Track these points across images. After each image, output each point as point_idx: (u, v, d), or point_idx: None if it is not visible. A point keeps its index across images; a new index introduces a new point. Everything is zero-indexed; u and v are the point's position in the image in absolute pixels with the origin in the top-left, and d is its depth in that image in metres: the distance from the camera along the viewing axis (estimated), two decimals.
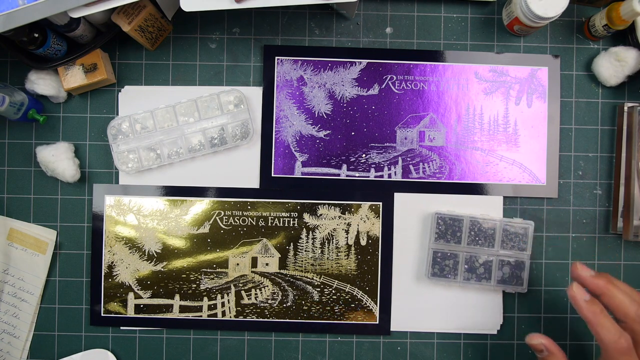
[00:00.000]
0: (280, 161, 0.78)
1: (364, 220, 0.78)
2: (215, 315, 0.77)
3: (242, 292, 0.77)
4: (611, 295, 0.55)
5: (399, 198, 0.78)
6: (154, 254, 0.77)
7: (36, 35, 0.69)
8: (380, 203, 0.78)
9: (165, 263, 0.77)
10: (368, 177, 0.78)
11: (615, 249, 0.79)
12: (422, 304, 0.78)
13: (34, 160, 0.78)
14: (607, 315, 0.55)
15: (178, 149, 0.76)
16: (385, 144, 0.78)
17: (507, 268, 0.76)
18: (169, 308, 0.77)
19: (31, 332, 0.78)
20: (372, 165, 0.78)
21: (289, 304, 0.77)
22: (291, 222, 0.78)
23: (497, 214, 0.78)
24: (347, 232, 0.78)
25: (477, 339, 0.78)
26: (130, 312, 0.77)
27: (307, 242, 0.78)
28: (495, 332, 0.78)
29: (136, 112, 0.77)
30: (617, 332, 0.53)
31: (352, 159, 0.78)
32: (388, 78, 0.78)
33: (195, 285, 0.77)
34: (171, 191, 0.77)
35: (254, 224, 0.78)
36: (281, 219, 0.78)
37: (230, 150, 0.78)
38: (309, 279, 0.77)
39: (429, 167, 0.78)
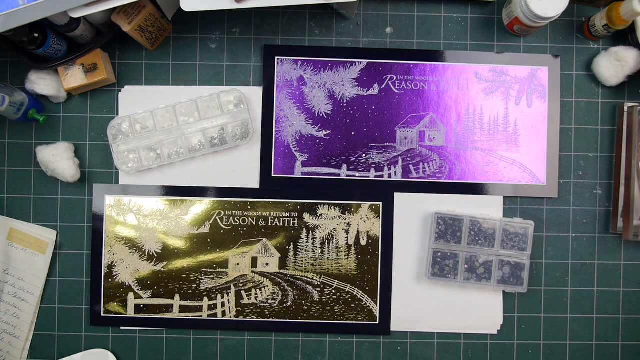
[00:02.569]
0: (280, 161, 0.78)
1: (364, 220, 0.78)
2: (215, 315, 0.77)
3: (242, 292, 0.77)
4: None
5: (399, 198, 0.78)
6: (154, 254, 0.77)
7: (36, 35, 0.69)
8: (380, 203, 0.78)
9: (165, 263, 0.77)
10: (368, 177, 0.78)
11: (615, 249, 0.79)
12: (422, 304, 0.78)
13: (34, 160, 0.78)
14: None
15: (178, 149, 0.76)
16: (385, 144, 0.78)
17: (507, 268, 0.76)
18: (169, 308, 0.77)
19: (31, 332, 0.78)
20: (372, 165, 0.78)
21: (289, 304, 0.77)
22: (291, 222, 0.78)
23: (497, 214, 0.78)
24: (347, 232, 0.78)
25: (477, 339, 0.78)
26: (130, 312, 0.77)
27: (307, 242, 0.78)
28: (495, 332, 0.78)
29: (136, 112, 0.77)
30: None
31: (352, 159, 0.78)
32: (388, 78, 0.78)
33: (195, 285, 0.77)
34: (171, 191, 0.77)
35: (254, 224, 0.78)
36: (281, 219, 0.78)
37: (230, 150, 0.78)
38: (309, 279, 0.77)
39: (429, 167, 0.78)
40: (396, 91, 0.78)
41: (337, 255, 0.78)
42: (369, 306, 0.77)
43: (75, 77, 0.74)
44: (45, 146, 0.76)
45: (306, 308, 0.77)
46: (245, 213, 0.77)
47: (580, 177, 0.79)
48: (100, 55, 0.74)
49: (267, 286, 0.77)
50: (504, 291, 0.78)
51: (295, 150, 0.78)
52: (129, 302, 0.77)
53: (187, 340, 0.78)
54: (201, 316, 0.77)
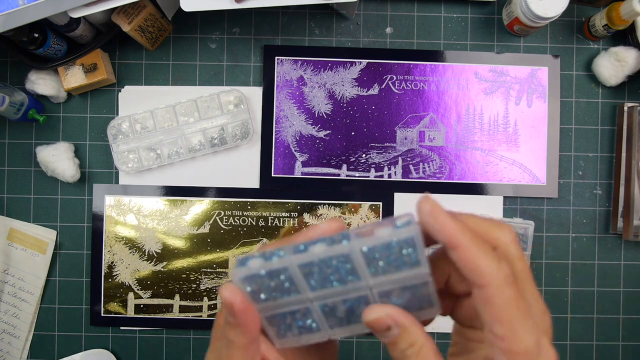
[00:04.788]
0: (280, 161, 0.78)
1: (364, 220, 0.78)
2: (216, 315, 0.77)
3: None
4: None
5: (399, 198, 0.78)
6: (154, 254, 0.77)
7: (36, 35, 0.69)
8: (380, 203, 0.78)
9: (165, 263, 0.77)
10: (368, 177, 0.78)
11: (615, 249, 0.79)
12: None
13: (34, 160, 0.78)
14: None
15: (178, 149, 0.76)
16: (385, 144, 0.78)
17: None
18: (169, 308, 0.77)
19: (31, 332, 0.78)
20: (372, 165, 0.78)
21: None
22: (291, 222, 0.78)
23: (497, 214, 0.78)
24: None
25: None
26: (130, 312, 0.77)
27: None
28: None
29: (136, 112, 0.77)
30: (495, 257, 0.30)
31: (352, 159, 0.78)
32: (388, 78, 0.78)
33: (195, 285, 0.77)
34: (171, 191, 0.77)
35: (254, 224, 0.78)
36: (281, 219, 0.78)
37: (230, 150, 0.78)
38: None
39: (429, 167, 0.78)
40: (396, 91, 0.78)
41: None
42: None
43: (75, 77, 0.74)
44: (45, 146, 0.76)
45: None
46: (245, 213, 0.77)
47: (580, 177, 0.79)
48: (100, 55, 0.74)
49: None
50: None
51: (295, 150, 0.78)
52: (129, 302, 0.77)
53: (187, 340, 0.78)
54: (201, 316, 0.77)
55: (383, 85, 0.78)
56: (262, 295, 0.32)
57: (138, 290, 0.77)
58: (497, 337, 0.29)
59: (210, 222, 0.77)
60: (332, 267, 0.31)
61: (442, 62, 0.78)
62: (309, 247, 0.30)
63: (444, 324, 0.78)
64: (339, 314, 0.32)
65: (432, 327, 0.80)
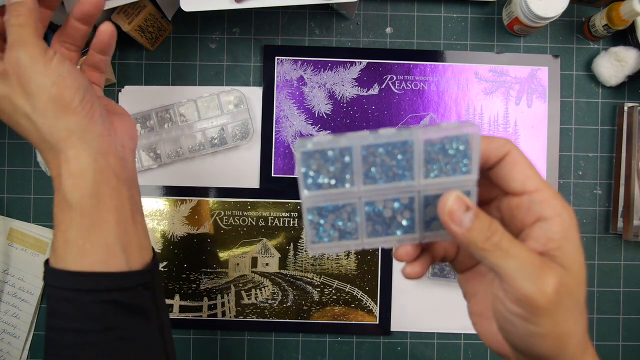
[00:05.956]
0: (280, 161, 0.78)
1: None
2: (215, 315, 0.77)
3: (242, 292, 0.77)
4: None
5: None
6: None
7: None
8: None
9: (165, 263, 0.77)
10: None
11: (615, 249, 0.79)
12: (422, 304, 0.78)
13: (34, 160, 0.78)
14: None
15: (178, 149, 0.76)
16: None
17: None
18: (168, 308, 0.77)
19: (31, 332, 0.78)
20: None
21: (289, 304, 0.77)
22: (291, 222, 0.78)
23: None
24: None
25: (477, 339, 0.78)
26: None
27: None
28: None
29: (136, 112, 0.77)
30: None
31: None
32: (388, 78, 0.78)
33: (195, 285, 0.77)
34: (171, 191, 0.77)
35: (254, 224, 0.78)
36: (281, 219, 0.78)
37: (230, 150, 0.78)
38: (309, 279, 0.77)
39: None
40: (396, 91, 0.78)
41: (337, 255, 0.78)
42: (368, 306, 0.77)
43: None
44: None
45: (306, 308, 0.77)
46: (245, 213, 0.77)
47: (580, 177, 0.79)
48: None
49: (267, 286, 0.77)
50: None
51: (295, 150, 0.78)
52: None
53: (187, 340, 0.78)
54: (201, 316, 0.77)
55: (383, 85, 0.78)
56: (319, 179, 0.32)
57: None
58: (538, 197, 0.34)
59: (210, 222, 0.77)
60: (393, 156, 0.31)
61: (442, 62, 0.78)
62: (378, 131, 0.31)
63: (443, 323, 0.78)
64: (383, 218, 0.33)
65: (432, 327, 0.80)
